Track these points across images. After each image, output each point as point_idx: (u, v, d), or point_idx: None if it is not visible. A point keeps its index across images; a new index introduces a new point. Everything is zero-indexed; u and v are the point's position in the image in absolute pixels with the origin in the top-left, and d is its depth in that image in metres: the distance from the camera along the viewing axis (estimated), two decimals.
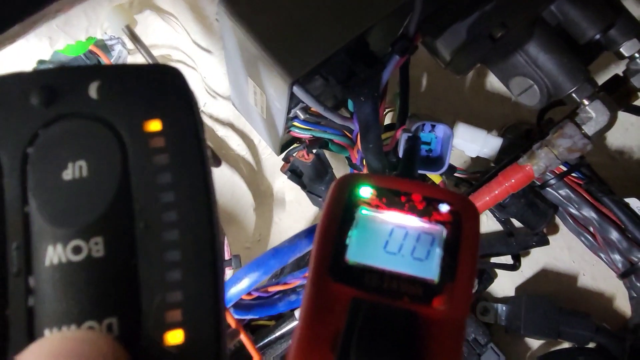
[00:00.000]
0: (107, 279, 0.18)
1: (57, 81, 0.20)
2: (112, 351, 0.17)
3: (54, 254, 0.18)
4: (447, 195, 0.24)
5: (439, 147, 0.48)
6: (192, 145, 0.20)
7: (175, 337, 0.18)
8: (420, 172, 0.47)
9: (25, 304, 0.18)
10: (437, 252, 0.23)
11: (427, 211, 0.23)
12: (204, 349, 0.18)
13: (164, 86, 0.20)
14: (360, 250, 0.23)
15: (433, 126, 0.46)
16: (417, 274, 0.22)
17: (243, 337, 0.44)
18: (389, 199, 0.24)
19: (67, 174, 0.19)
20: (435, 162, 0.49)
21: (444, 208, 0.23)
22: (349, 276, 0.22)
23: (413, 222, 0.23)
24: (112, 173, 0.19)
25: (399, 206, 0.24)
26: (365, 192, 0.24)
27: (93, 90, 0.20)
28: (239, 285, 0.36)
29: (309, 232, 0.31)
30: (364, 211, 0.24)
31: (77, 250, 0.18)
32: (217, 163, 0.45)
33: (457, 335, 0.22)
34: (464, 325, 0.23)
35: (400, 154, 0.45)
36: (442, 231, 0.23)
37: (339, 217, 0.23)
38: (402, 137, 0.44)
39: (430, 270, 0.22)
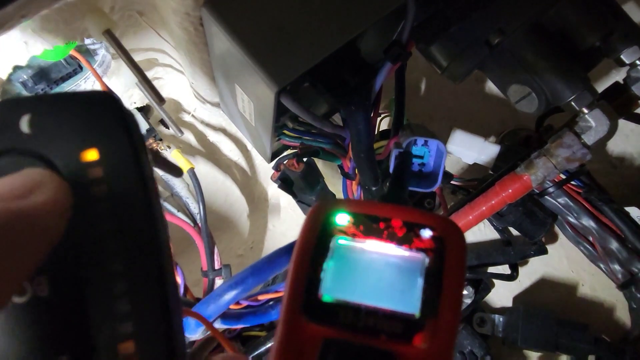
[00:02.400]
0: (54, 316, 0.18)
1: None
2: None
3: None
4: (429, 219, 0.22)
5: (432, 161, 0.46)
6: (131, 171, 0.19)
7: None
8: (410, 189, 0.46)
9: None
10: (419, 282, 0.21)
11: (407, 238, 0.22)
12: None
13: (98, 113, 0.20)
14: (335, 285, 0.21)
15: (426, 141, 0.45)
16: (396, 309, 0.21)
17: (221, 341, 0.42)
18: (367, 226, 0.22)
19: None
20: (427, 177, 0.47)
21: (426, 233, 0.22)
22: (322, 314, 0.20)
23: (393, 250, 0.22)
24: None
25: (377, 234, 0.22)
26: (342, 219, 0.22)
27: (24, 124, 0.19)
28: (218, 302, 0.35)
29: (288, 249, 0.30)
30: (341, 241, 0.22)
31: (21, 291, 0.18)
32: (178, 173, 0.44)
33: None
34: None
35: (391, 169, 0.43)
36: (423, 259, 0.21)
37: (312, 248, 0.22)
38: (393, 153, 0.43)
39: (411, 303, 0.21)
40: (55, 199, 0.17)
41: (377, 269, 0.21)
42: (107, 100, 0.20)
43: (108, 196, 0.19)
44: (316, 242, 0.22)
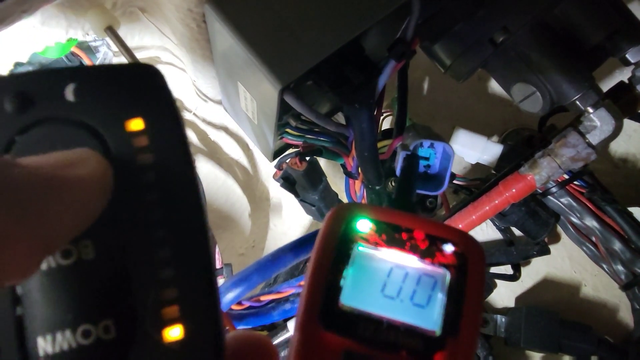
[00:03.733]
0: (99, 280, 0.18)
1: (32, 86, 0.19)
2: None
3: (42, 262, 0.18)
4: (452, 234, 0.21)
5: (438, 163, 0.46)
6: (176, 141, 0.20)
7: (174, 333, 0.18)
8: (417, 191, 0.45)
9: (13, 314, 0.18)
10: (439, 298, 0.20)
11: (430, 251, 0.21)
12: (205, 342, 0.18)
13: (142, 84, 0.20)
14: (355, 293, 0.20)
15: (432, 143, 0.44)
16: (416, 324, 0.20)
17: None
18: (389, 235, 0.21)
19: None
20: (433, 179, 0.46)
21: (449, 249, 0.21)
22: (341, 324, 0.20)
23: (415, 263, 0.21)
24: None
25: (400, 244, 0.21)
26: (364, 226, 0.21)
27: (69, 93, 0.19)
28: (223, 300, 0.35)
29: (293, 247, 0.30)
30: (362, 248, 0.21)
31: (67, 254, 0.18)
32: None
33: None
34: None
35: (397, 172, 0.43)
36: (445, 275, 0.21)
37: (333, 253, 0.21)
38: (400, 155, 0.42)
39: (431, 320, 0.20)
40: (95, 174, 0.18)
41: (398, 281, 0.21)
42: (150, 71, 0.20)
43: (153, 165, 0.19)
44: (336, 247, 0.21)
